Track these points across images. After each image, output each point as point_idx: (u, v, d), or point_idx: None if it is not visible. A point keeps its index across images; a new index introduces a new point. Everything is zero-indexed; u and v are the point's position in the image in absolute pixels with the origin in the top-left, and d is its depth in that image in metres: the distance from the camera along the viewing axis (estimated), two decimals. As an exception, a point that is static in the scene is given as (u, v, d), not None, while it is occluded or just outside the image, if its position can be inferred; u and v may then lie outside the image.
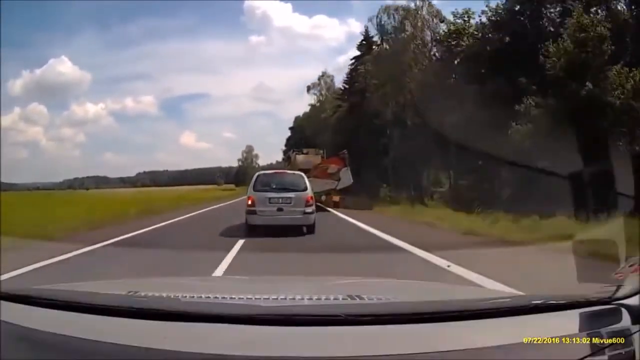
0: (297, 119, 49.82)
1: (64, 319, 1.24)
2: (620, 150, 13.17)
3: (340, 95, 35.90)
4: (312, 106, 44.68)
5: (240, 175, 63.63)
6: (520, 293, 2.46)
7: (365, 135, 27.57)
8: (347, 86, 34.73)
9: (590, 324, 1.15)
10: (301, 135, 42.12)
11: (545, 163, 14.14)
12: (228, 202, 27.76)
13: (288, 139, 49.90)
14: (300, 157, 22.04)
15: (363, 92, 29.37)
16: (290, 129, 50.94)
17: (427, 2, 26.03)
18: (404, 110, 25.36)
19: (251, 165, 66.96)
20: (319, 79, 43.42)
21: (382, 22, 27.57)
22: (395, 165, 26.24)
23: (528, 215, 10.71)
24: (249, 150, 71.81)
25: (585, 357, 1.02)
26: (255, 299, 1.42)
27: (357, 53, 34.17)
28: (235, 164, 72.46)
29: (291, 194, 10.20)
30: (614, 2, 17.28)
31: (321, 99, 43.35)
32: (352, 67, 34.31)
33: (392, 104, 26.16)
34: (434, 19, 25.91)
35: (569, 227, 8.46)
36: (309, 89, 43.51)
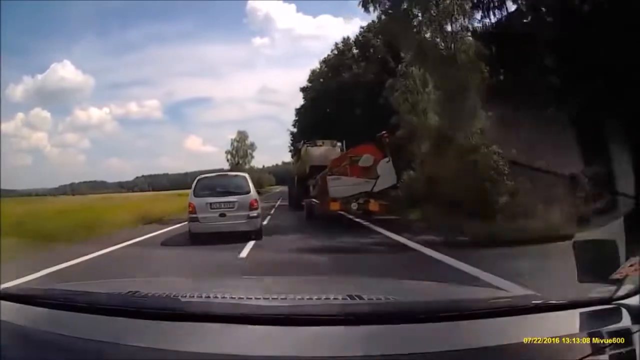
0: (313, 72, 33.02)
1: (64, 319, 1.24)
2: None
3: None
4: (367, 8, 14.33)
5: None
6: (521, 293, 2.46)
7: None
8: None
9: (590, 323, 1.15)
10: (323, 95, 27.87)
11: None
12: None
13: (298, 109, 34.58)
14: (312, 150, 16.69)
15: None
16: (303, 90, 33.78)
17: None
18: None
19: (245, 159, 46.37)
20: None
21: None
22: None
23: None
24: (241, 138, 47.42)
25: (586, 357, 1.02)
26: (255, 298, 1.42)
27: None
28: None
29: (233, 198, 9.46)
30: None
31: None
32: None
33: None
34: None
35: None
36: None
